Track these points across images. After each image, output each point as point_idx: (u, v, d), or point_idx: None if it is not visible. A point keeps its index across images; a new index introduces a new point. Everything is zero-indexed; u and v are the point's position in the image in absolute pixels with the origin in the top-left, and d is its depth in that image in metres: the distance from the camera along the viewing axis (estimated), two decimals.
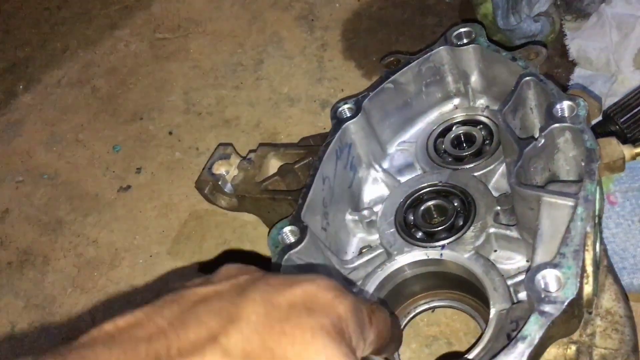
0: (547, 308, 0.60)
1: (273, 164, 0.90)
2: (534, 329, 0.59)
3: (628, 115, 0.95)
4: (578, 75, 1.08)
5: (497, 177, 0.88)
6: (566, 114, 0.75)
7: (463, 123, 0.95)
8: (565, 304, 0.60)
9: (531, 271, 0.63)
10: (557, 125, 0.74)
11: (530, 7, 1.09)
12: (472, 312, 0.85)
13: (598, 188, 0.68)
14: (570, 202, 0.67)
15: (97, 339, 0.39)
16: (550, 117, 0.76)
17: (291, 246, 0.76)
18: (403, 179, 0.93)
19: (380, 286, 0.83)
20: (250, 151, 0.94)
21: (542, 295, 0.61)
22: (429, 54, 0.92)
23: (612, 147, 0.74)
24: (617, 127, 0.95)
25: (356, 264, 0.85)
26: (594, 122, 0.98)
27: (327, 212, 0.85)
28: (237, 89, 1.19)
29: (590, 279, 0.63)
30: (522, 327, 0.60)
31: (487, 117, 0.94)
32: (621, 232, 0.93)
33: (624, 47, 1.07)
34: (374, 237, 0.89)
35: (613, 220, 0.94)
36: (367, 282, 0.83)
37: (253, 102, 1.17)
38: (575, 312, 0.63)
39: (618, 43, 1.09)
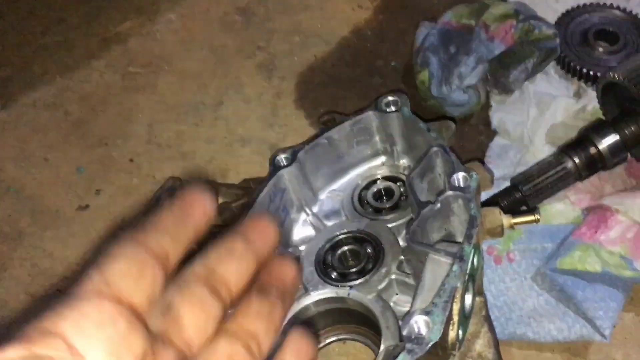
0: (414, 347, 0.73)
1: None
2: None
3: (530, 185, 1.09)
4: (496, 144, 1.23)
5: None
6: (461, 184, 0.89)
7: (386, 178, 1.08)
8: (429, 345, 0.73)
9: (408, 315, 0.76)
10: (451, 192, 0.88)
11: (461, 80, 1.23)
12: (373, 346, 0.97)
13: (474, 250, 0.81)
14: (449, 260, 0.80)
15: None
16: (448, 184, 0.89)
17: None
18: (329, 223, 1.06)
19: (295, 317, 0.95)
20: None
21: (412, 337, 0.74)
22: (360, 116, 1.05)
23: (494, 216, 0.87)
24: (521, 194, 1.09)
25: None
26: (500, 188, 1.12)
27: None
28: (197, 125, 1.32)
29: (456, 326, 0.76)
30: None
31: (406, 176, 1.08)
32: (514, 286, 1.06)
33: (539, 123, 1.22)
34: None
35: (509, 275, 1.08)
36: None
37: (209, 139, 1.29)
38: (439, 353, 0.75)
39: (535, 119, 1.23)
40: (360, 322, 0.97)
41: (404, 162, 1.10)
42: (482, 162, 1.04)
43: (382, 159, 1.11)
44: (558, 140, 1.18)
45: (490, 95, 1.29)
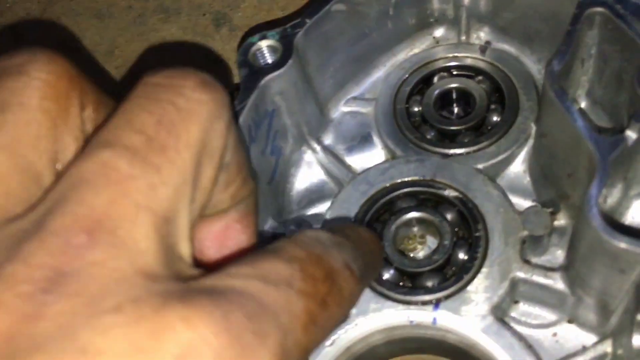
0: None
1: None
2: None
3: None
4: None
5: (517, 168, 0.54)
6: None
7: (450, 71, 0.59)
8: None
9: None
10: None
11: None
12: None
13: None
14: None
15: None
16: None
17: None
18: (356, 161, 0.57)
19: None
20: None
21: None
22: None
23: None
24: None
25: None
26: None
27: None
28: None
29: None
30: None
31: (489, 63, 0.58)
32: None
33: None
34: None
35: None
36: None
37: (102, 12, 0.73)
38: None
39: None
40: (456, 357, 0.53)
41: (480, 35, 0.60)
42: None
43: (439, 32, 0.61)
44: None
45: None
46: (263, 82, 0.49)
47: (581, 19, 0.46)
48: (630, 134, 0.41)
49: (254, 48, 0.50)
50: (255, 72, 0.50)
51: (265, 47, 0.50)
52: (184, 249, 0.27)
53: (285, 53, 0.50)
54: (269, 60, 0.50)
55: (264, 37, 0.51)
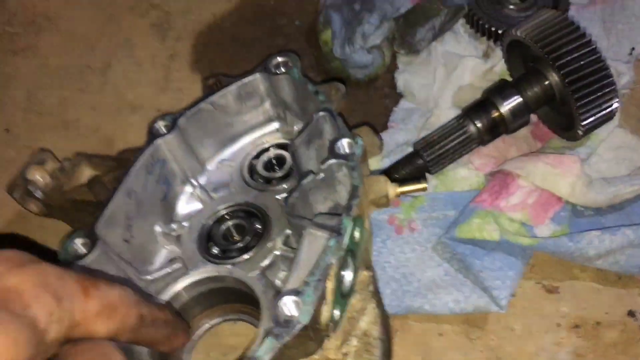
0: (280, 331, 0.67)
1: (86, 174, 0.93)
2: (265, 350, 0.65)
3: (431, 151, 1.03)
4: (401, 107, 1.16)
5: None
6: (346, 151, 0.82)
7: (279, 146, 1.01)
8: (296, 328, 0.67)
9: (279, 296, 0.70)
10: (334, 161, 0.81)
11: (365, 40, 1.16)
12: None
13: (355, 223, 0.75)
14: (325, 234, 0.74)
15: None
16: (331, 152, 0.83)
17: (80, 257, 0.80)
18: (219, 195, 0.98)
19: (177, 296, 0.88)
20: (66, 159, 0.96)
21: (281, 320, 0.67)
22: (246, 79, 0.97)
23: (379, 185, 0.81)
24: (422, 160, 1.04)
25: (155, 276, 0.89)
26: (403, 154, 1.06)
27: (131, 224, 0.88)
28: (82, 91, 1.21)
29: (329, 306, 0.70)
30: (257, 348, 0.66)
31: None
32: (414, 257, 1.01)
33: (446, 85, 1.16)
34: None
35: (410, 246, 1.03)
36: (166, 291, 0.87)
37: (96, 106, 1.19)
38: (311, 335, 0.69)
39: (442, 80, 1.17)
40: (248, 302, 0.91)
41: (298, 128, 1.02)
42: (373, 127, 0.97)
43: (276, 125, 1.03)
44: (464, 103, 1.12)
45: (397, 56, 1.22)
46: (155, 142, 0.92)
47: (318, 119, 0.88)
48: (319, 174, 0.82)
49: (156, 125, 0.94)
50: (153, 136, 0.93)
51: (161, 125, 0.94)
52: None
53: (171, 128, 0.94)
54: (163, 132, 0.94)
55: (162, 119, 0.94)
